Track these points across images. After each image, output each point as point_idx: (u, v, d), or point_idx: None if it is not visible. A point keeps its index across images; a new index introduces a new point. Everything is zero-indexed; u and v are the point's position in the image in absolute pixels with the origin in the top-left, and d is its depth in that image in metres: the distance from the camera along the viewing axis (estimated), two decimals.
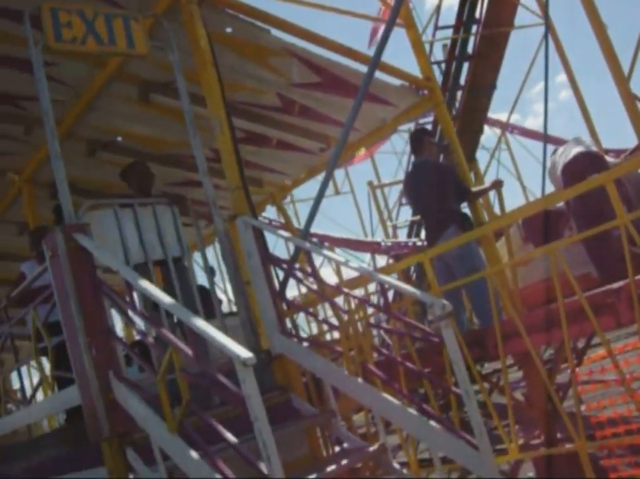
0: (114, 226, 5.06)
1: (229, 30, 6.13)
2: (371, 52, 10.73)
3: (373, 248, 12.21)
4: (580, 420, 4.13)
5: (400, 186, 14.78)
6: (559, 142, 11.07)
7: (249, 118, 7.49)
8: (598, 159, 6.14)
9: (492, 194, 10.14)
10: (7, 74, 6.36)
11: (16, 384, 9.83)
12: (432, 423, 3.88)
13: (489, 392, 6.95)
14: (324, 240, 10.42)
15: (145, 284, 3.59)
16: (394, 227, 14.49)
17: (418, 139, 6.93)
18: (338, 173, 16.69)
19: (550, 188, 6.83)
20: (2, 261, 10.44)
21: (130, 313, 4.01)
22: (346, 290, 4.45)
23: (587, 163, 5.95)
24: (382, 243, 12.04)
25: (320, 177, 9.92)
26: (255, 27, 6.26)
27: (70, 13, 4.76)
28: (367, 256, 14.37)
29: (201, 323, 3.15)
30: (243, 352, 2.84)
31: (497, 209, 9.45)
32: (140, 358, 3.84)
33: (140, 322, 4.14)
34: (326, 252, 4.72)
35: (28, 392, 5.57)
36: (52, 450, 4.78)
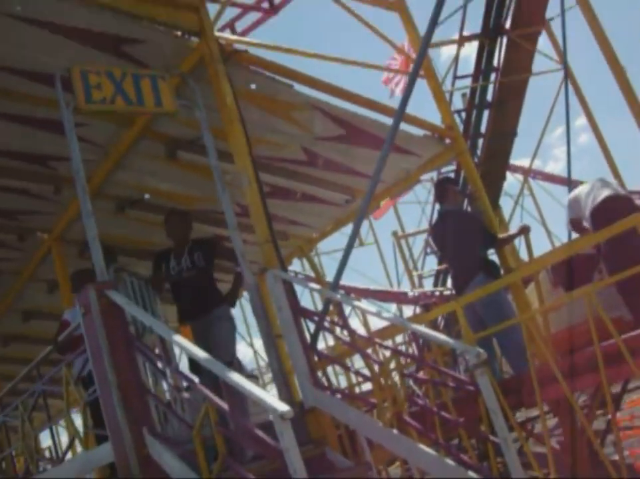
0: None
1: (253, 86, 6.24)
2: (388, 100, 10.94)
3: (400, 298, 12.14)
4: (623, 466, 4.05)
5: (425, 236, 14.77)
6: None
7: (274, 172, 7.56)
8: (627, 201, 6.11)
9: (518, 241, 10.10)
10: (37, 135, 6.51)
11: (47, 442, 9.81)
12: (471, 473, 3.82)
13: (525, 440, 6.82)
14: (351, 291, 10.37)
15: (179, 339, 3.60)
16: (420, 277, 14.42)
17: (443, 188, 6.96)
18: (362, 225, 16.65)
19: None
20: (33, 319, 10.53)
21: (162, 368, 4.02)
22: (378, 340, 4.43)
23: (617, 206, 5.91)
24: (409, 293, 11.98)
25: (344, 229, 9.99)
26: (278, 83, 6.38)
27: (99, 75, 4.89)
28: (393, 307, 14.29)
29: (237, 377, 3.14)
30: (281, 406, 2.83)
31: (524, 255, 9.40)
32: (175, 413, 3.83)
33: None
34: (357, 303, 4.71)
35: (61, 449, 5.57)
36: None
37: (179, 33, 5.89)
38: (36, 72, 5.66)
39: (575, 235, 6.38)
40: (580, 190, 6.54)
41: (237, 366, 5.42)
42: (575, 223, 6.44)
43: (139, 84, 5.09)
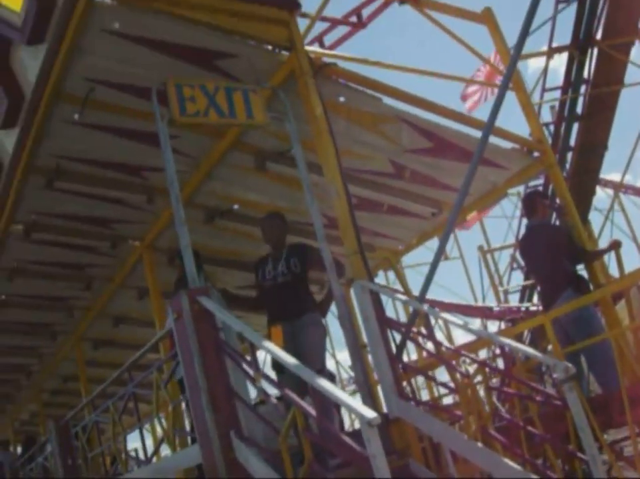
0: None
1: (342, 99, 6.32)
2: (476, 113, 10.86)
3: (485, 313, 12.01)
4: None
5: (511, 250, 14.58)
6: None
7: (361, 184, 7.61)
8: None
9: (608, 256, 9.86)
10: (132, 146, 6.74)
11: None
12: None
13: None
14: (436, 305, 10.32)
15: (269, 345, 3.67)
16: (506, 292, 14.22)
17: (532, 201, 6.88)
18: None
19: None
20: (122, 324, 10.86)
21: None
22: (465, 352, 4.41)
23: None
24: (494, 308, 11.85)
25: (428, 244, 9.94)
26: (366, 95, 6.44)
27: (193, 88, 5.04)
28: (477, 322, 14.13)
29: (325, 383, 3.19)
30: (369, 413, 2.85)
31: (614, 272, 9.16)
32: (262, 417, 3.90)
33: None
34: (444, 315, 4.71)
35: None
36: None
37: (270, 47, 6.01)
38: (133, 86, 5.87)
39: None
40: None
41: (328, 375, 5.44)
42: None
43: (231, 97, 5.22)
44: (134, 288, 9.64)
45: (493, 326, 12.92)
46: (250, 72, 5.86)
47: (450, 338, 11.07)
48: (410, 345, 8.94)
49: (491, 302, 13.94)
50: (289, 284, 5.88)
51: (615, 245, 6.73)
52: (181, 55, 5.70)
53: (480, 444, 4.17)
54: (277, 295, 5.89)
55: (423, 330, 5.38)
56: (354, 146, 6.94)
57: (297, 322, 5.69)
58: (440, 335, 12.82)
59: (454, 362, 4.86)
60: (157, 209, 7.79)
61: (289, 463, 3.44)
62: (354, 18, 8.89)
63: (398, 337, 5.10)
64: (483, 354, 8.39)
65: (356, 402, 2.99)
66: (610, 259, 9.96)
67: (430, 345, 5.54)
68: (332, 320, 16.18)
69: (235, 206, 8.00)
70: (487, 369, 4.51)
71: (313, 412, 3.24)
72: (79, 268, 9.36)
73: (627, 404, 4.33)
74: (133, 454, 8.89)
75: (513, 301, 13.68)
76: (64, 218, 7.99)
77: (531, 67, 58.78)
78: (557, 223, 9.28)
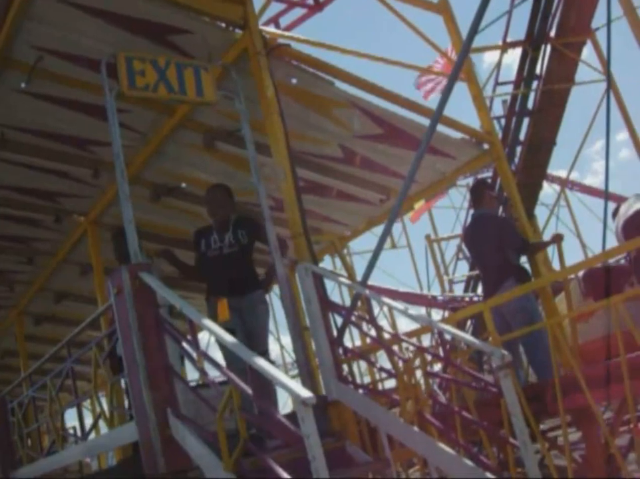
0: None
1: (294, 81, 6.29)
2: (426, 103, 10.92)
3: (429, 302, 12.12)
4: None
5: (457, 241, 14.73)
6: (620, 199, 10.93)
7: (311, 168, 7.61)
8: None
9: (551, 250, 10.04)
10: (79, 119, 6.63)
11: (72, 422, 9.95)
12: (489, 475, 3.83)
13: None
14: (380, 292, 10.39)
15: (208, 322, 3.65)
16: (451, 282, 14.38)
17: (479, 191, 6.96)
18: (395, 227, 16.64)
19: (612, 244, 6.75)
20: (64, 300, 10.70)
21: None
22: (404, 337, 4.45)
23: None
24: (439, 297, 11.97)
25: (376, 230, 9.99)
26: (319, 79, 6.43)
27: (144, 62, 4.98)
28: (422, 310, 14.27)
29: (262, 362, 3.19)
30: (304, 392, 2.87)
31: (556, 265, 9.33)
32: (200, 395, 3.89)
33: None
34: (386, 299, 4.73)
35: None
36: None
37: (224, 25, 5.96)
38: (83, 57, 5.77)
39: (609, 242, 6.36)
40: (619, 214, 6.54)
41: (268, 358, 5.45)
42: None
43: (182, 73, 5.16)
44: (77, 264, 9.50)
45: (437, 315, 13.07)
46: (203, 49, 5.82)
47: (394, 325, 11.15)
48: (355, 332, 9.01)
49: (436, 291, 14.10)
50: (236, 256, 5.71)
51: (557, 239, 6.84)
52: (134, 28, 5.63)
53: (416, 429, 4.22)
54: (223, 266, 5.68)
55: (365, 315, 5.39)
56: (305, 129, 6.93)
57: (244, 299, 5.62)
58: (384, 323, 12.93)
59: (395, 348, 4.91)
60: (103, 184, 7.69)
61: (225, 441, 3.43)
62: (310, 1, 8.86)
63: (340, 321, 5.12)
64: (426, 342, 8.51)
65: (292, 382, 2.99)
66: (554, 253, 10.14)
67: (371, 330, 5.58)
68: (276, 304, 16.21)
69: (183, 184, 7.95)
70: (425, 355, 4.55)
71: (249, 390, 3.24)
72: (22, 241, 9.20)
73: (559, 392, 4.43)
74: (71, 432, 8.80)
75: (458, 290, 13.84)
76: (8, 189, 7.84)
77: (487, 62, 59.46)
78: (503, 214, 9.39)
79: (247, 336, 5.43)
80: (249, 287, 5.70)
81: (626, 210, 6.39)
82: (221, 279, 5.66)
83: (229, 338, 3.53)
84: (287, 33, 7.34)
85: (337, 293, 13.80)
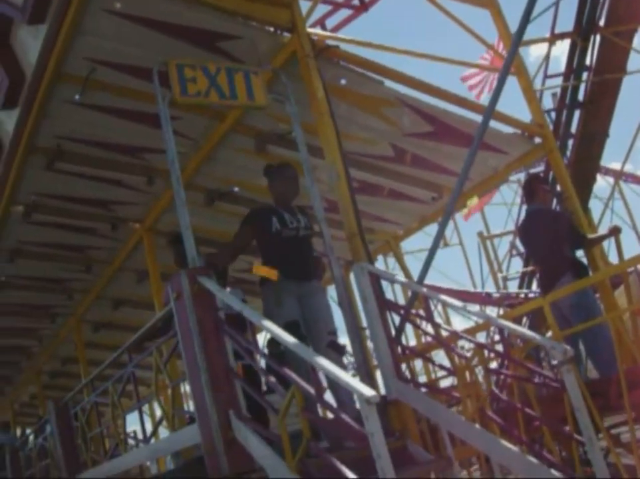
0: None
1: (343, 81, 6.31)
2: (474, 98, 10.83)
3: (483, 299, 12.02)
4: None
5: (510, 237, 14.58)
6: None
7: (362, 168, 7.62)
8: None
9: (607, 243, 9.88)
10: (132, 127, 6.74)
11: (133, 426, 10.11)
12: (554, 472, 3.78)
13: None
14: (435, 291, 10.33)
15: (269, 324, 3.68)
16: (505, 279, 14.24)
17: (532, 186, 6.88)
18: (447, 226, 16.57)
19: None
20: (122, 307, 10.88)
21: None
22: (464, 334, 4.42)
23: None
24: (494, 294, 11.86)
25: (428, 229, 9.95)
26: (368, 78, 6.44)
27: (195, 69, 5.03)
28: (476, 308, 14.16)
29: (325, 362, 3.20)
30: (367, 391, 2.87)
31: (613, 259, 9.17)
32: (262, 397, 3.92)
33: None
34: (444, 297, 4.71)
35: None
36: None
37: (272, 29, 6.00)
38: (134, 67, 5.86)
39: None
40: None
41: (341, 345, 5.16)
42: None
43: (232, 79, 5.21)
44: (134, 270, 9.66)
45: (492, 313, 12.95)
46: (252, 54, 5.86)
47: (448, 323, 11.10)
48: (410, 331, 8.96)
49: (491, 289, 13.98)
50: (309, 240, 5.42)
51: (615, 231, 6.72)
52: (183, 36, 5.69)
53: (477, 426, 4.19)
54: (298, 248, 5.27)
55: (422, 313, 5.37)
56: (355, 129, 6.94)
57: (307, 285, 5.23)
58: (438, 321, 12.85)
59: (452, 345, 4.88)
60: (157, 191, 7.80)
61: (288, 441, 3.45)
62: (356, 1, 8.86)
63: (397, 320, 5.11)
64: (482, 340, 8.44)
65: (356, 381, 3.00)
66: (610, 246, 9.98)
67: (429, 328, 5.55)
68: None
69: (235, 189, 8.00)
70: (485, 351, 4.52)
71: (312, 390, 3.26)
72: (79, 250, 9.37)
73: (624, 387, 4.34)
74: (132, 435, 8.95)
75: (513, 287, 13.70)
76: (65, 199, 7.99)
77: (533, 55, 58.71)
78: (558, 209, 9.27)
79: (313, 321, 5.16)
80: (314, 274, 5.39)
81: None
82: (291, 261, 5.19)
83: (289, 339, 3.55)
84: (334, 34, 7.35)
85: (390, 293, 13.77)
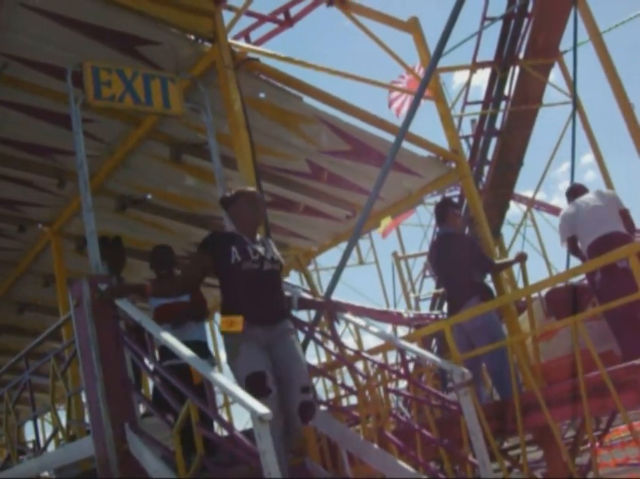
0: None
1: (262, 95, 6.29)
2: (397, 120, 10.99)
3: (394, 319, 12.13)
4: None
5: (424, 258, 14.80)
6: None
7: (278, 183, 7.59)
8: (626, 239, 6.13)
9: (516, 269, 10.11)
10: (45, 127, 6.56)
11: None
12: None
13: (508, 470, 6.79)
14: (346, 308, 10.37)
15: (167, 336, 3.62)
16: (417, 299, 14.44)
17: (443, 210, 6.97)
18: (363, 244, 16.70)
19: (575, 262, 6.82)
20: (27, 311, 10.53)
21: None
22: (366, 354, 4.44)
23: (615, 243, 5.90)
24: (404, 314, 11.99)
25: (344, 246, 9.97)
26: (287, 94, 6.42)
27: (110, 72, 4.96)
28: (388, 327, 14.30)
29: (220, 378, 3.16)
30: (260, 408, 2.84)
31: (521, 284, 9.38)
32: (158, 412, 3.84)
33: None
34: (348, 315, 4.72)
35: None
36: None
37: (193, 37, 5.95)
38: (48, 65, 5.72)
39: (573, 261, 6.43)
40: (577, 207, 6.59)
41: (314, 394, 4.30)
42: (571, 242, 6.55)
43: (149, 85, 5.15)
44: (40, 274, 9.36)
45: (403, 332, 13.10)
46: (171, 61, 5.77)
47: (360, 342, 11.12)
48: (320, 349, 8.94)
49: (403, 308, 14.13)
50: (276, 276, 4.36)
51: (521, 258, 6.86)
52: (102, 37, 5.58)
53: (375, 446, 4.21)
54: (261, 285, 4.22)
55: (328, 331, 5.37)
56: (272, 144, 6.91)
57: (271, 331, 4.15)
58: (350, 340, 12.92)
59: (360, 365, 4.88)
60: (68, 194, 7.59)
61: (181, 457, 3.39)
62: (281, 16, 8.87)
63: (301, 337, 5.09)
64: (393, 359, 8.49)
65: (249, 398, 2.96)
66: (519, 273, 10.20)
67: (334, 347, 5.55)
68: None
69: (149, 196, 7.88)
70: (386, 372, 4.55)
71: (206, 406, 3.21)
72: None
73: (518, 411, 4.44)
74: (30, 445, 8.66)
75: (425, 308, 13.90)
76: None
77: (457, 82, 60.02)
78: (468, 233, 9.45)
79: (285, 374, 4.10)
80: (286, 312, 4.41)
81: (591, 221, 6.44)
82: (258, 299, 4.18)
83: (187, 352, 3.49)
84: (256, 47, 7.34)
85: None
